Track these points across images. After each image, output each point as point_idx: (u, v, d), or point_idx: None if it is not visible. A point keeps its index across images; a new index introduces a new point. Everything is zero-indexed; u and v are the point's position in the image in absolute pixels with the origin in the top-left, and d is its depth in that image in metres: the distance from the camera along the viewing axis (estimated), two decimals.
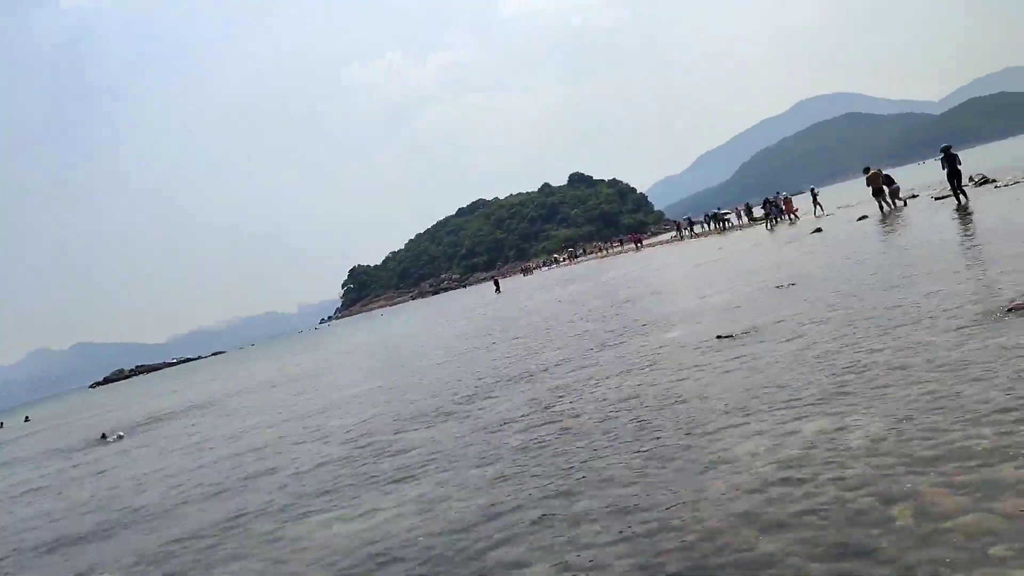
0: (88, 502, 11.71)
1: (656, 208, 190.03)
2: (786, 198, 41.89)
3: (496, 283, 69.02)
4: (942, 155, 23.77)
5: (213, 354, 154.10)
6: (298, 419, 14.52)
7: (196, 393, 33.25)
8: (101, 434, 22.61)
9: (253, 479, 9.84)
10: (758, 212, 50.70)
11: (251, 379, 33.08)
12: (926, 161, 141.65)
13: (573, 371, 11.35)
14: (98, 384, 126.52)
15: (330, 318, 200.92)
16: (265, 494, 8.71)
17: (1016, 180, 25.11)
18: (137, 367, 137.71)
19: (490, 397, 11.04)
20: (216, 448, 13.79)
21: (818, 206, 38.53)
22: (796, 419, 6.01)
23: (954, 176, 23.29)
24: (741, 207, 57.31)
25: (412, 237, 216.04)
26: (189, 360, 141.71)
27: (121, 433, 21.58)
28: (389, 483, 7.64)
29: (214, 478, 10.74)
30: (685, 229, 66.25)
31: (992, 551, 3.45)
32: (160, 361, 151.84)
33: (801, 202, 42.87)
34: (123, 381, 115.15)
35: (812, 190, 41.57)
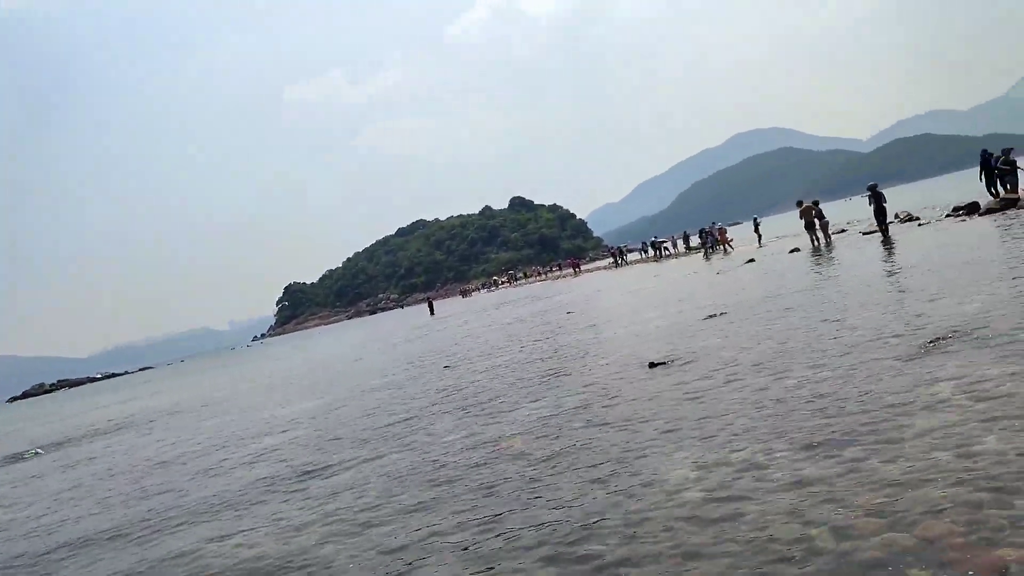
0: None
1: (595, 234, 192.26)
2: (720, 228, 42.92)
3: (430, 305, 67.67)
4: (869, 193, 24.68)
5: (141, 369, 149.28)
6: (225, 440, 14.16)
7: (120, 411, 32.18)
8: (17, 451, 21.73)
9: (175, 499, 9.55)
10: (695, 241, 51.70)
11: (178, 397, 32.19)
12: (852, 198, 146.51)
13: (507, 394, 11.33)
14: (16, 398, 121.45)
15: (263, 335, 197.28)
16: (185, 514, 8.47)
17: (938, 218, 26.13)
18: (59, 381, 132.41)
19: (423, 419, 10.93)
20: (138, 469, 13.35)
21: (759, 235, 39.78)
22: (725, 448, 6.10)
23: (880, 213, 24.20)
24: (678, 236, 58.36)
25: (350, 255, 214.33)
26: (115, 375, 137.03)
27: (39, 450, 20.77)
28: (315, 503, 7.50)
29: (132, 504, 10.39)
30: (619, 257, 67.17)
31: (909, 572, 3.55)
32: (84, 376, 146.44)
33: (742, 231, 43.88)
34: (44, 396, 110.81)
35: (755, 219, 42.94)
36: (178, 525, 8.10)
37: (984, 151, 25.73)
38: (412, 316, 71.33)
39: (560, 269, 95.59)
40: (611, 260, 74.67)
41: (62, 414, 41.86)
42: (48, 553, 8.37)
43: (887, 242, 22.03)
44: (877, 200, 24.23)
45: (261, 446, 12.11)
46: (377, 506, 6.91)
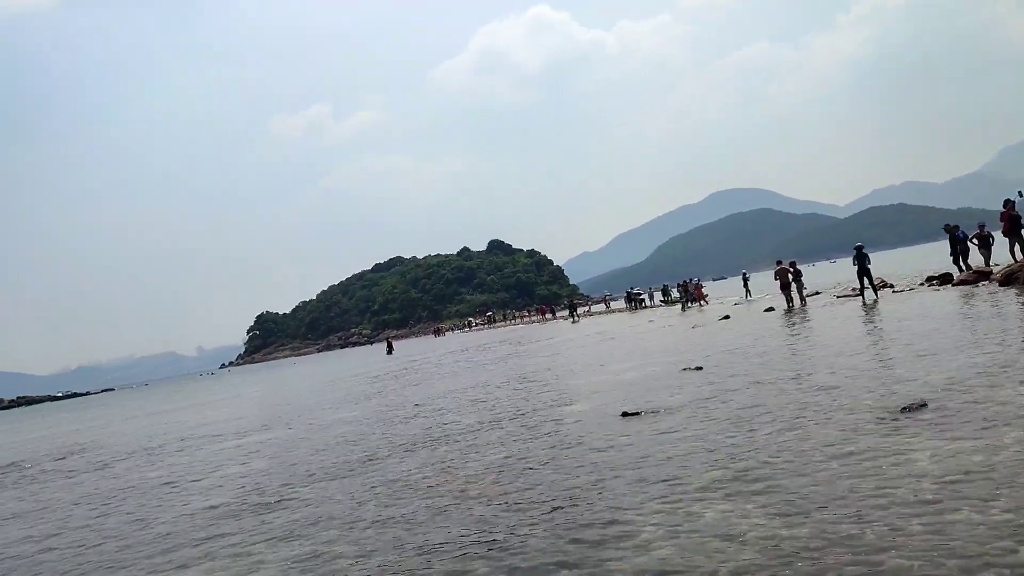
0: None
1: (572, 282, 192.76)
2: (697, 284, 43.30)
3: (389, 344, 67.08)
4: (855, 252, 25.11)
5: (103, 391, 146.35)
6: (183, 469, 13.85)
7: (72, 434, 31.43)
8: None
9: (126, 533, 9.30)
10: (674, 294, 52.04)
11: (138, 422, 31.56)
12: (816, 263, 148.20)
13: (476, 437, 11.17)
14: None
15: (231, 364, 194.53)
16: (140, 551, 8.24)
17: (912, 287, 26.48)
18: (19, 398, 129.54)
19: (388, 459, 10.73)
20: (79, 505, 13.00)
21: (748, 290, 40.25)
22: (697, 503, 6.03)
23: (864, 273, 24.65)
24: (656, 288, 58.78)
25: (325, 288, 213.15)
26: (76, 395, 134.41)
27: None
28: (277, 539, 7.30)
29: (83, 538, 10.11)
30: (583, 307, 67.27)
31: None
32: (45, 394, 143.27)
33: (728, 286, 44.28)
34: (2, 411, 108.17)
35: (744, 274, 43.65)
36: (130, 561, 7.87)
37: (947, 225, 26.30)
38: (376, 353, 70.91)
39: (542, 313, 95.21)
40: (567, 312, 72.89)
41: (7, 434, 40.82)
42: None
43: (866, 304, 22.36)
44: (861, 261, 24.69)
45: (220, 476, 11.84)
46: (339, 541, 6.73)
